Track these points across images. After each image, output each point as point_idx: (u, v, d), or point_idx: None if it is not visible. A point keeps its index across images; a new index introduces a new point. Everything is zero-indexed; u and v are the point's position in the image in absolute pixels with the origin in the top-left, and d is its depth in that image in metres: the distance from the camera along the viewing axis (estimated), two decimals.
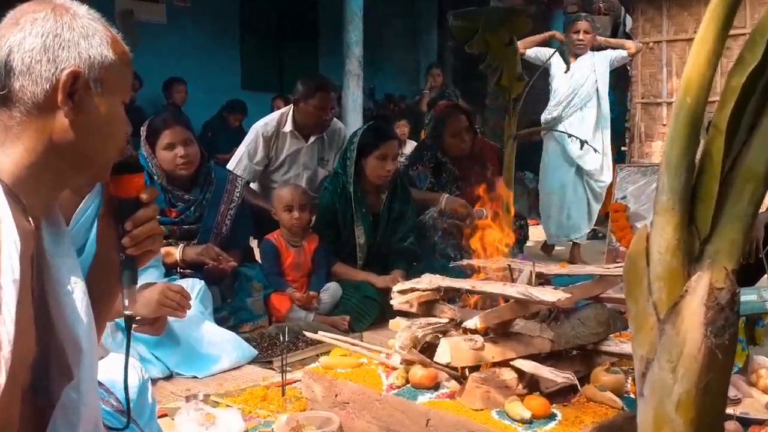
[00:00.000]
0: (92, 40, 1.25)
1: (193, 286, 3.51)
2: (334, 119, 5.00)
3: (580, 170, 6.26)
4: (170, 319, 2.54)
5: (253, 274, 3.93)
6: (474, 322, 2.40)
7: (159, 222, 1.43)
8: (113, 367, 1.66)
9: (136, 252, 1.39)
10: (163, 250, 3.69)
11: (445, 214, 4.68)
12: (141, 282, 1.73)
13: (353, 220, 4.31)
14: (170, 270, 3.70)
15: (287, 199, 4.13)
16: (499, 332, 2.49)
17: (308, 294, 3.97)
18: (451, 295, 2.77)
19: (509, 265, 2.94)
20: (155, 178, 3.80)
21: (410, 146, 7.57)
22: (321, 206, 4.37)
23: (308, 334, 3.07)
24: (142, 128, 3.88)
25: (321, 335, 2.99)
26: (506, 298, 2.54)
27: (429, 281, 2.67)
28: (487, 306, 2.73)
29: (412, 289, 2.66)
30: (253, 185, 4.85)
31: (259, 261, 4.24)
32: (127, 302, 1.40)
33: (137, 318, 1.99)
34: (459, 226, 4.55)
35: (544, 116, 6.37)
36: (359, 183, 4.30)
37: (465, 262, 3.07)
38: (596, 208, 6.40)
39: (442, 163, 5.02)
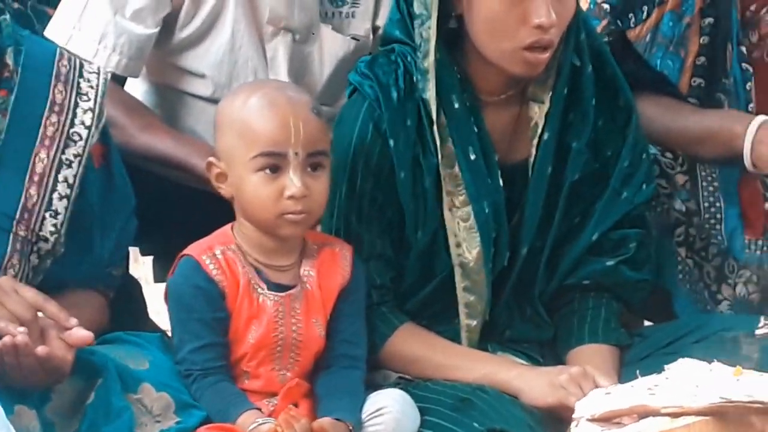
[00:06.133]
0: None
1: None
2: None
3: None
4: None
5: (142, 360, 1.50)
6: None
7: None
8: None
9: None
10: None
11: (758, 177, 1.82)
12: None
13: (440, 189, 1.60)
14: None
15: (273, 125, 1.45)
16: None
17: (314, 424, 1.41)
18: None
19: None
20: None
21: None
22: (342, 153, 1.61)
23: None
24: None
25: None
26: None
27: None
28: None
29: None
30: (136, 88, 1.93)
31: (161, 324, 1.86)
32: None
33: None
34: None
35: None
36: (460, 75, 1.64)
37: None
38: None
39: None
